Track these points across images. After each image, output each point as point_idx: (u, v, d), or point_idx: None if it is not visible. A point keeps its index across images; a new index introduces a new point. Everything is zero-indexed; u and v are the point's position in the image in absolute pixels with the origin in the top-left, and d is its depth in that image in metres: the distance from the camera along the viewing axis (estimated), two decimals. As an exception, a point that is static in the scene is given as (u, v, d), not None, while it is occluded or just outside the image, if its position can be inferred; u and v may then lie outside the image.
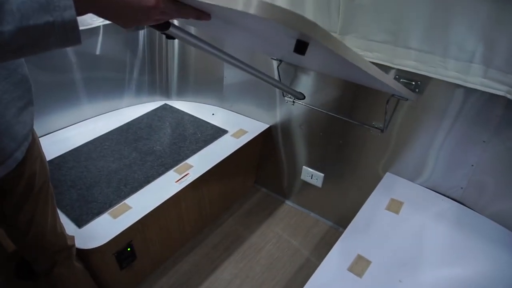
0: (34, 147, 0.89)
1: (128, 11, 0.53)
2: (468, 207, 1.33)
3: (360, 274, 1.05)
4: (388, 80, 0.97)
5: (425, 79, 1.24)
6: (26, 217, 0.92)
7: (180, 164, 1.49)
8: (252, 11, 0.50)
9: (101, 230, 1.18)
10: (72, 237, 1.10)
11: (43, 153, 0.95)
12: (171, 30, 0.70)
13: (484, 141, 1.22)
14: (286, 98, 1.65)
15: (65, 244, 1.06)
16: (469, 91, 1.17)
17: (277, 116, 1.75)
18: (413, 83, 1.26)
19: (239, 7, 0.50)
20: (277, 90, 1.69)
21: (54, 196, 0.99)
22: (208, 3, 0.52)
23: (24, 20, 0.46)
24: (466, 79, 1.14)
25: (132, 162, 1.49)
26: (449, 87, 1.20)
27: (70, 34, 0.50)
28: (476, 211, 1.30)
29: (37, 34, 0.47)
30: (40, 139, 0.95)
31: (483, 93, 1.14)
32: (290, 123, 1.73)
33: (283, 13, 0.52)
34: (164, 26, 0.68)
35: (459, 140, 1.28)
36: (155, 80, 1.96)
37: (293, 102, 1.64)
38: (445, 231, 1.21)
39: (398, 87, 1.07)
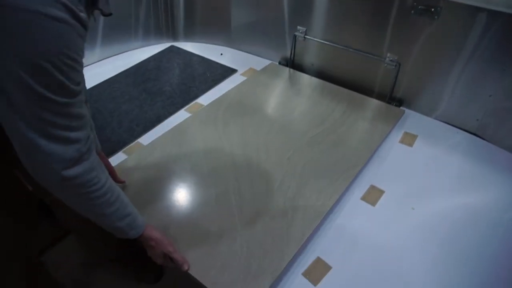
0: None
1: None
2: (484, 139, 1.31)
3: (373, 203, 1.06)
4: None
5: (446, 4, 1.17)
6: None
7: (191, 104, 1.48)
8: None
9: (116, 167, 1.20)
10: None
11: None
12: None
13: (504, 69, 1.18)
14: (296, 33, 1.59)
15: None
16: (490, 15, 1.11)
17: (287, 53, 1.70)
18: (432, 9, 1.20)
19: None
20: (286, 26, 1.63)
21: None
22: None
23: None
24: (489, 1, 1.07)
25: (143, 102, 1.48)
26: (470, 11, 1.13)
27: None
28: (492, 143, 1.29)
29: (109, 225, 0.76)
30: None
31: (505, 15, 1.08)
32: (300, 60, 1.68)
33: None
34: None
35: (477, 70, 1.23)
36: (161, 22, 1.89)
37: (304, 37, 1.58)
38: (458, 162, 1.20)
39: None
